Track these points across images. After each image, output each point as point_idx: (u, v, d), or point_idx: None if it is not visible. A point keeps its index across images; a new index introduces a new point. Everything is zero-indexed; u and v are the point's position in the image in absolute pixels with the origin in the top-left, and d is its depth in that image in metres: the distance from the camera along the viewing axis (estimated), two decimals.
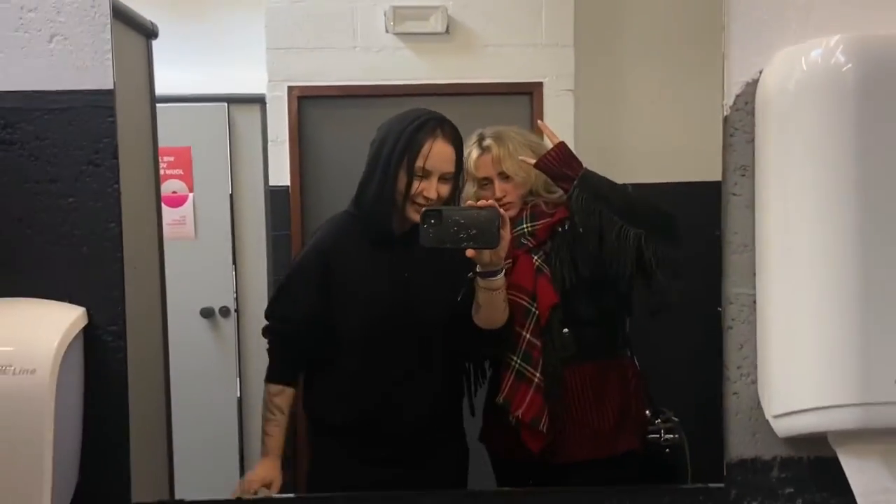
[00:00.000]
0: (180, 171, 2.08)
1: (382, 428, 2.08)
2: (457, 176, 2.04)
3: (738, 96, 1.93)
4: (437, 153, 2.00)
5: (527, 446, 2.03)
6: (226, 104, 2.12)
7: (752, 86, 1.91)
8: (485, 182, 2.08)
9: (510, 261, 2.01)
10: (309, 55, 2.09)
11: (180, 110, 2.09)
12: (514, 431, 2.04)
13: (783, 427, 1.89)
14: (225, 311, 2.13)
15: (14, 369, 1.67)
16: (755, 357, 1.96)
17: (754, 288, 1.95)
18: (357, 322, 2.06)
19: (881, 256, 1.73)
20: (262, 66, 2.08)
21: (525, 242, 2.07)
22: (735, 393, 1.98)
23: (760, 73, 1.89)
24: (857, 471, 1.83)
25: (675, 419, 2.06)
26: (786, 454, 1.98)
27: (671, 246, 2.01)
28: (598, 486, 2.01)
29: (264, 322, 2.08)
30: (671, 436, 2.06)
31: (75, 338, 1.81)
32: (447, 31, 2.08)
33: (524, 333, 2.05)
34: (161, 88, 2.00)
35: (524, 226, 2.08)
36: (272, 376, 2.06)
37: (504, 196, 2.07)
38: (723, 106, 1.93)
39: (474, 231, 1.87)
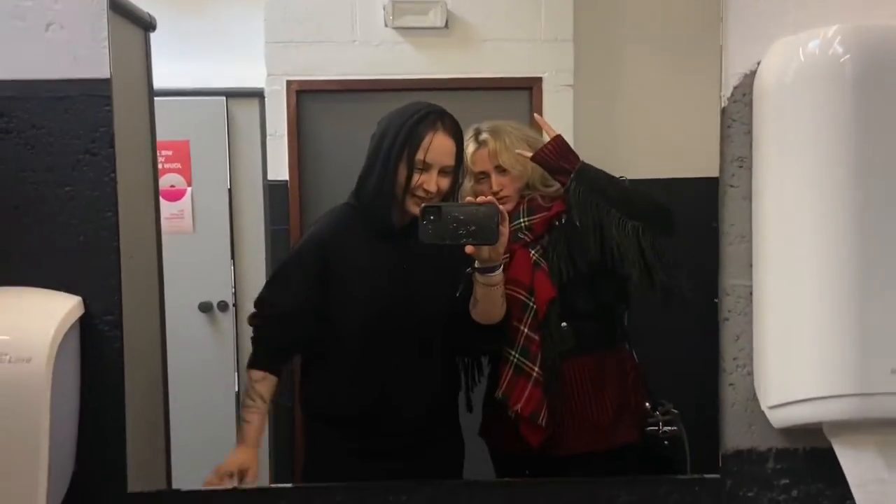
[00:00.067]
0: (178, 165, 2.09)
1: (379, 421, 2.08)
2: (457, 169, 2.04)
3: (735, 88, 1.91)
4: (438, 146, 2.00)
5: (526, 440, 2.03)
6: (224, 98, 2.13)
7: (749, 77, 1.90)
8: (481, 176, 2.09)
9: (507, 255, 2.00)
10: (308, 49, 2.10)
11: (179, 104, 2.09)
12: (514, 425, 2.04)
13: (779, 418, 1.89)
14: (223, 306, 2.13)
15: (10, 358, 1.66)
16: (751, 349, 1.95)
17: (751, 279, 1.94)
18: (355, 315, 2.06)
19: (878, 247, 1.72)
20: (260, 60, 2.09)
21: (522, 237, 2.07)
22: (731, 384, 1.97)
23: (758, 64, 1.88)
24: (853, 461, 1.83)
25: (675, 411, 2.06)
26: (781, 445, 1.97)
27: (668, 238, 2.01)
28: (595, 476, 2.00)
29: None
30: (670, 428, 2.07)
31: (71, 327, 1.80)
32: (446, 25, 2.09)
33: (522, 328, 2.06)
34: (160, 82, 2.00)
35: (521, 220, 2.09)
36: (256, 363, 2.06)
37: (501, 190, 2.07)
38: (720, 97, 1.92)
39: (473, 227, 1.87)
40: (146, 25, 1.97)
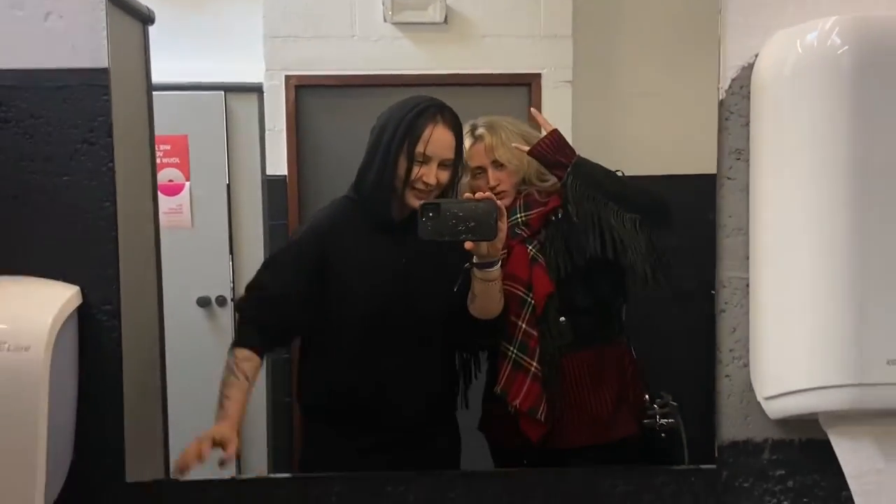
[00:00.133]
0: (177, 160, 2.11)
1: (376, 414, 2.09)
2: (456, 162, 2.05)
3: (733, 80, 1.91)
4: (438, 139, 2.02)
5: (526, 435, 2.05)
6: (223, 93, 2.15)
7: (747, 69, 1.89)
8: (478, 171, 2.11)
9: (505, 251, 2.02)
10: (307, 44, 2.11)
11: (177, 98, 2.10)
12: (513, 420, 2.06)
13: (775, 409, 1.89)
14: (221, 301, 2.15)
15: (8, 346, 1.66)
16: (747, 340, 1.95)
17: (748, 271, 1.94)
18: (353, 307, 2.06)
19: (875, 239, 1.72)
20: (259, 55, 2.10)
21: (519, 232, 2.09)
22: (727, 376, 1.97)
23: (756, 56, 1.88)
24: (849, 452, 1.83)
25: (674, 403, 2.08)
26: (777, 437, 1.98)
27: (666, 230, 2.03)
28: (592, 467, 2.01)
29: None
30: (667, 420, 2.08)
31: (70, 316, 1.80)
32: (445, 20, 2.11)
33: (520, 323, 2.08)
34: (158, 76, 2.00)
35: (518, 215, 2.10)
36: (241, 342, 2.04)
37: (498, 184, 2.10)
38: (718, 90, 1.92)
39: (472, 224, 1.88)
40: (145, 19, 1.97)
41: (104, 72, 1.87)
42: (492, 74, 2.16)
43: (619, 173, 2.07)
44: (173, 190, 2.12)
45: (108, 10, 1.86)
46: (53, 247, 1.89)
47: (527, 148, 2.05)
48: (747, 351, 1.96)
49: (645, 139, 2.16)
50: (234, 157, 2.16)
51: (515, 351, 2.08)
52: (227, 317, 2.17)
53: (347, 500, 1.98)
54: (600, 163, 2.05)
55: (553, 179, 2.08)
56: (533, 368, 2.07)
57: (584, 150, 2.05)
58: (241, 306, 2.08)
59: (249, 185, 2.16)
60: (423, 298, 2.09)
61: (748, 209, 1.92)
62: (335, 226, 2.08)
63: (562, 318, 2.09)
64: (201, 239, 2.16)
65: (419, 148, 2.01)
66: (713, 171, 1.95)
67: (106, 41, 1.86)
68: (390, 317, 2.08)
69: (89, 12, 1.87)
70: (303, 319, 2.08)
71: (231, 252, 2.16)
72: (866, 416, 1.81)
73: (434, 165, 2.03)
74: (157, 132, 2.02)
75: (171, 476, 1.87)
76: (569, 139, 2.05)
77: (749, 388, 1.96)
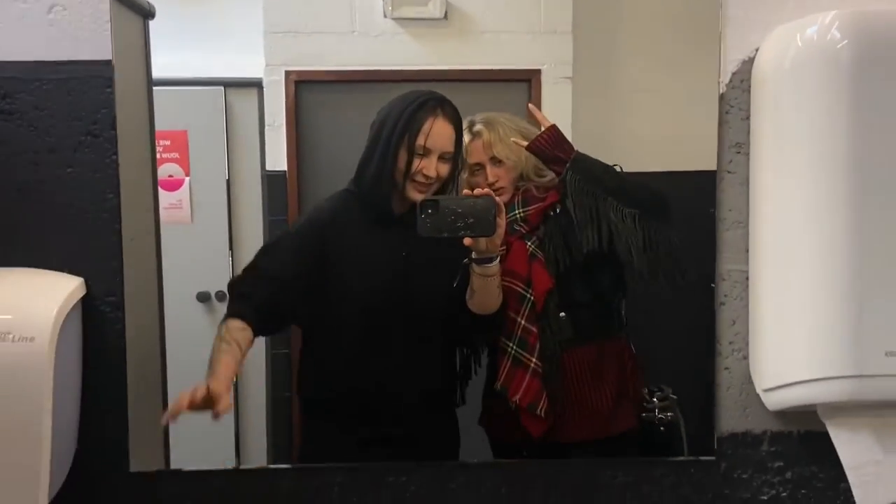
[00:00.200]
0: (177, 155, 2.11)
1: (375, 407, 2.10)
2: (456, 156, 2.06)
3: (734, 74, 1.94)
4: (438, 132, 2.03)
5: (527, 431, 2.07)
6: (223, 88, 2.15)
7: (748, 63, 1.92)
8: (476, 168, 2.12)
9: (504, 248, 2.03)
10: (307, 39, 2.11)
11: (177, 94, 2.11)
12: (514, 416, 2.08)
13: (774, 400, 1.92)
14: (221, 296, 2.13)
15: (13, 337, 1.69)
16: (747, 333, 1.98)
17: (747, 264, 1.97)
18: (353, 300, 2.08)
19: (873, 232, 1.75)
20: (259, 50, 2.10)
21: (518, 228, 2.10)
22: (727, 368, 2.01)
23: (756, 50, 1.91)
24: (847, 443, 1.86)
25: (673, 396, 2.10)
26: (776, 429, 2.01)
27: (665, 225, 2.05)
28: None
29: None
30: (667, 414, 2.10)
31: (73, 307, 1.83)
32: (445, 16, 2.11)
33: (519, 320, 2.09)
34: (158, 72, 2.01)
35: (516, 212, 2.12)
36: (236, 313, 2.02)
37: (496, 181, 2.11)
38: (719, 83, 1.94)
39: (471, 220, 1.90)
40: (145, 13, 1.98)
41: (108, 64, 1.89)
42: (491, 70, 2.16)
43: (618, 168, 2.08)
44: (173, 185, 2.12)
45: (111, 2, 1.89)
46: (57, 238, 1.91)
47: (525, 144, 2.06)
48: (747, 343, 1.99)
49: (645, 135, 2.17)
50: (233, 152, 2.17)
51: (515, 347, 2.10)
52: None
53: (349, 491, 2.01)
54: (600, 159, 2.06)
55: (551, 175, 2.10)
56: (532, 364, 2.08)
57: (584, 146, 2.06)
58: (235, 283, 2.08)
59: (249, 180, 2.16)
60: (423, 292, 2.11)
61: (748, 202, 1.95)
62: (336, 218, 2.10)
63: (562, 314, 2.11)
64: (201, 234, 2.16)
65: (419, 140, 2.03)
66: (713, 167, 1.98)
67: (109, 33, 1.89)
68: (389, 310, 2.09)
69: (92, 4, 1.89)
70: (296, 305, 2.09)
71: (231, 247, 2.16)
72: (865, 407, 1.83)
73: (434, 158, 2.05)
74: (156, 127, 2.03)
75: (163, 423, 1.85)
76: (568, 135, 2.06)
77: (748, 381, 1.99)
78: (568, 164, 2.04)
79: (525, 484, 2.02)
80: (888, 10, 1.77)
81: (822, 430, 1.88)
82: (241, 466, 2.06)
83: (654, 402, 2.11)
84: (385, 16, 2.11)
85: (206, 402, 1.77)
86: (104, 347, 1.94)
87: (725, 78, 1.95)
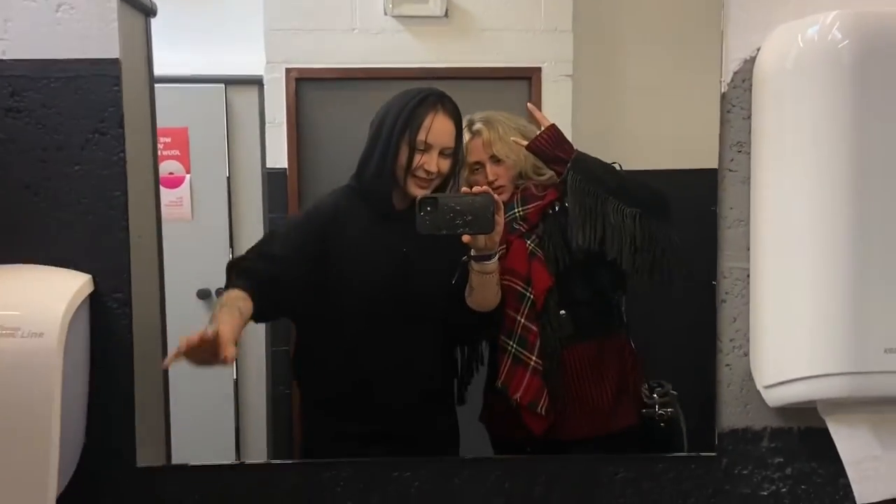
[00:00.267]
0: (177, 152, 2.13)
1: (374, 402, 2.14)
2: (456, 152, 2.10)
3: (735, 73, 1.98)
4: (438, 127, 2.07)
5: (529, 428, 2.10)
6: (223, 85, 2.18)
7: (749, 63, 1.96)
8: (476, 166, 2.16)
9: (504, 246, 2.07)
10: (307, 37, 2.14)
11: (178, 91, 2.13)
12: (515, 413, 2.11)
13: (774, 397, 1.96)
14: (221, 293, 2.13)
15: (22, 332, 1.72)
16: (748, 330, 2.02)
17: (748, 262, 2.01)
18: (353, 294, 2.11)
19: (873, 230, 1.79)
20: (260, 48, 2.13)
21: (517, 227, 2.14)
22: (728, 365, 2.05)
23: (758, 50, 1.95)
24: (846, 439, 1.91)
25: (674, 392, 2.13)
26: (776, 425, 2.06)
27: (665, 223, 2.08)
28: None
29: None
30: (667, 410, 2.13)
31: (81, 304, 1.86)
32: (446, 14, 2.14)
33: (519, 318, 2.13)
34: (159, 69, 2.04)
35: (516, 210, 2.15)
36: (236, 285, 2.02)
37: (496, 179, 2.15)
38: (720, 83, 1.98)
39: (470, 217, 1.94)
40: (147, 11, 2.01)
41: (115, 62, 1.93)
42: (492, 68, 2.19)
43: (617, 166, 2.11)
44: (174, 182, 2.14)
45: (118, 1, 1.92)
46: (65, 235, 1.95)
47: (525, 143, 2.09)
48: (747, 340, 2.03)
49: (645, 133, 2.20)
50: (234, 149, 2.19)
51: (515, 345, 2.13)
52: None
53: (354, 485, 2.05)
54: (600, 157, 2.09)
55: (549, 173, 2.13)
56: (532, 363, 2.12)
57: (585, 144, 2.09)
58: (235, 261, 2.09)
59: (249, 177, 2.18)
60: (422, 289, 2.14)
61: (749, 201, 2.00)
62: (337, 213, 2.12)
63: (562, 311, 2.14)
64: (201, 231, 2.18)
65: (420, 136, 2.06)
66: (713, 165, 2.02)
67: (116, 32, 1.93)
68: (389, 306, 2.12)
69: (100, 3, 1.93)
70: (295, 291, 2.11)
71: (231, 245, 2.18)
72: (864, 403, 1.88)
73: (435, 154, 2.08)
74: (157, 125, 2.06)
75: (163, 367, 1.89)
76: (568, 133, 2.09)
77: (749, 377, 2.04)
78: (569, 165, 2.06)
79: (528, 479, 2.06)
80: (888, 11, 1.81)
81: (822, 426, 1.93)
82: (249, 462, 2.09)
83: (654, 397, 2.14)
84: (386, 13, 2.14)
85: (211, 347, 1.74)
86: (111, 344, 1.97)
87: (727, 77, 1.99)
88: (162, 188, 2.09)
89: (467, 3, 2.14)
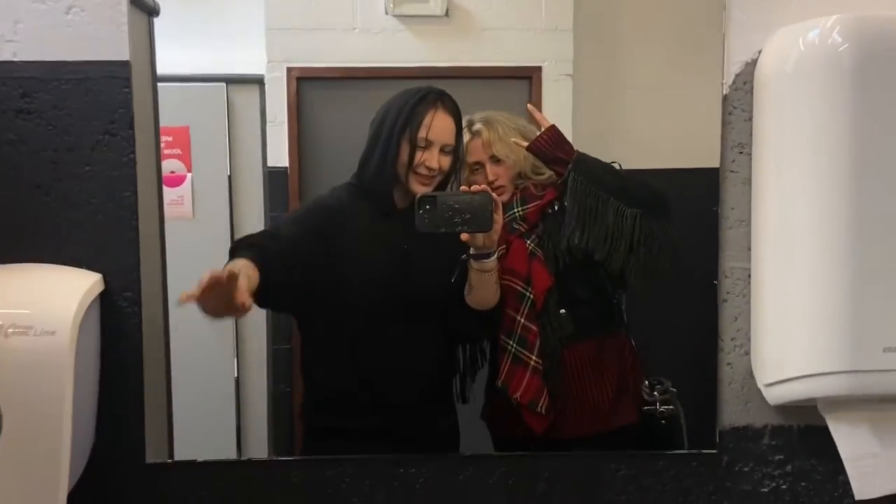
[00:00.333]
0: (179, 151, 2.17)
1: (374, 399, 2.19)
2: (457, 149, 2.15)
3: (737, 76, 2.02)
4: (439, 124, 2.12)
5: (530, 427, 2.15)
6: (225, 85, 2.21)
7: (751, 65, 2.01)
8: (476, 167, 2.21)
9: (504, 247, 2.12)
10: (308, 36, 2.18)
11: (179, 90, 2.17)
12: (515, 411, 2.15)
13: (775, 395, 2.01)
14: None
15: (35, 331, 1.77)
16: (749, 329, 2.07)
17: (749, 262, 2.06)
18: (353, 291, 2.16)
19: (872, 231, 1.85)
20: (261, 47, 2.17)
21: (517, 227, 2.18)
22: (729, 363, 2.10)
23: (759, 52, 1.99)
24: (846, 437, 1.97)
25: (673, 390, 2.18)
26: (776, 423, 2.11)
27: (665, 223, 2.14)
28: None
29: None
30: (668, 407, 2.18)
31: (92, 303, 1.90)
32: (447, 13, 2.18)
33: (519, 318, 2.18)
34: (160, 68, 2.07)
35: (515, 210, 2.20)
36: (240, 255, 2.00)
37: (496, 179, 2.20)
38: (722, 85, 2.03)
39: (468, 215, 1.99)
40: (150, 10, 2.04)
41: (125, 65, 1.98)
42: (492, 67, 2.23)
43: (616, 165, 2.16)
44: (175, 181, 2.18)
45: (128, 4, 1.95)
46: (76, 235, 2.00)
47: (525, 144, 2.14)
48: (748, 339, 2.08)
49: (645, 133, 2.24)
50: (235, 148, 2.23)
51: (515, 345, 2.18)
52: None
53: (360, 482, 2.10)
54: (601, 156, 2.13)
55: (548, 173, 2.16)
56: (532, 362, 2.17)
57: (585, 143, 2.13)
58: (241, 238, 2.13)
59: (250, 176, 2.22)
60: (423, 287, 2.19)
61: (750, 201, 2.05)
62: (340, 209, 2.17)
63: (562, 311, 2.19)
64: (203, 230, 2.21)
65: (421, 133, 2.11)
66: (713, 164, 2.07)
67: (126, 34, 1.97)
68: (389, 303, 2.17)
69: (110, 6, 1.97)
70: (299, 270, 2.12)
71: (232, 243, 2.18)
72: (863, 401, 1.94)
73: (436, 151, 2.13)
74: (159, 123, 2.08)
75: (179, 302, 1.85)
76: (569, 132, 2.13)
77: (750, 376, 2.09)
78: (570, 166, 2.11)
79: (531, 476, 2.12)
80: (888, 15, 1.86)
81: (822, 424, 1.98)
82: (255, 458, 2.15)
83: (654, 395, 2.20)
84: (386, 13, 2.18)
85: (226, 292, 1.77)
86: (122, 342, 2.02)
87: (729, 80, 2.03)
88: (163, 186, 2.13)
89: (468, 2, 2.18)
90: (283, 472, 2.10)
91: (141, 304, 2.02)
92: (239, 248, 2.04)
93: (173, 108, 2.14)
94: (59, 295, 1.86)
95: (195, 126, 2.20)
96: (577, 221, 2.11)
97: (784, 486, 2.14)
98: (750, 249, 2.06)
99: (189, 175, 2.19)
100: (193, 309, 2.05)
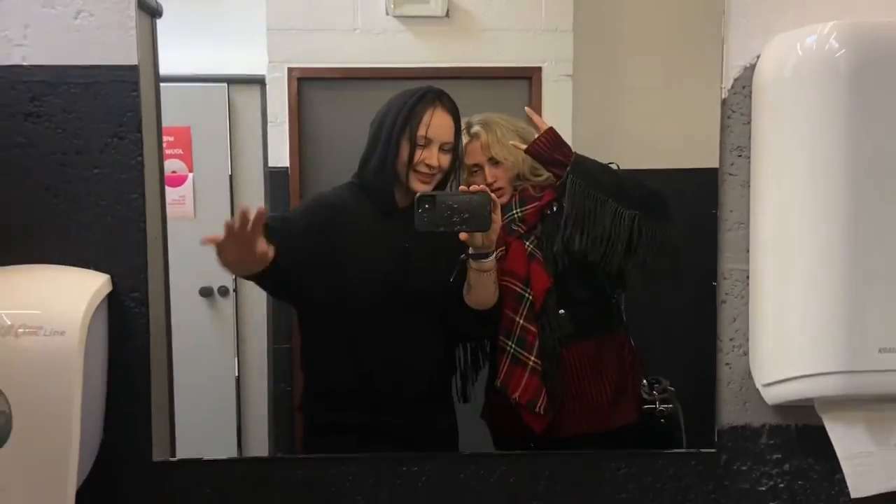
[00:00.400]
0: (180, 151, 2.21)
1: (374, 398, 2.25)
2: (456, 147, 2.20)
3: (735, 80, 2.07)
4: (438, 122, 2.18)
5: (529, 426, 2.21)
6: (226, 85, 2.26)
7: (749, 70, 2.06)
8: (475, 169, 2.26)
9: (503, 248, 2.18)
10: (309, 37, 2.22)
11: (180, 90, 2.20)
12: (515, 411, 2.21)
13: (773, 395, 2.07)
14: (224, 291, 2.26)
15: (45, 331, 1.82)
16: (747, 329, 2.13)
17: (748, 264, 2.12)
18: (353, 289, 2.22)
19: (868, 233, 1.90)
20: (262, 47, 2.21)
21: (516, 228, 2.23)
22: (727, 364, 2.16)
23: (758, 57, 2.05)
24: (842, 436, 2.02)
25: (672, 389, 2.23)
26: (774, 422, 2.16)
27: (664, 223, 2.19)
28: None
29: (263, 303, 2.26)
30: (667, 406, 2.24)
31: (101, 303, 1.96)
32: (447, 14, 2.23)
33: (518, 319, 2.23)
34: (162, 68, 2.12)
35: (514, 211, 2.25)
36: None
37: (495, 181, 2.25)
38: (721, 89, 2.08)
39: (467, 215, 2.04)
40: (153, 12, 2.09)
41: (133, 69, 2.03)
42: (493, 68, 2.28)
43: (614, 166, 2.21)
44: (176, 181, 2.23)
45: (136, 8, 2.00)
46: (84, 236, 2.05)
47: (524, 146, 2.17)
48: (747, 340, 2.14)
49: (645, 133, 2.29)
50: (236, 148, 2.27)
51: (513, 346, 2.23)
52: (229, 307, 2.28)
53: (363, 480, 2.16)
54: (600, 156, 2.18)
55: (546, 174, 2.21)
56: (531, 363, 2.22)
57: (585, 143, 2.18)
58: None
59: (252, 176, 2.26)
60: (422, 285, 2.24)
61: (749, 204, 2.10)
62: (342, 206, 2.23)
63: (561, 311, 2.24)
64: (204, 229, 2.12)
65: (420, 131, 2.17)
66: (712, 165, 2.12)
67: (135, 38, 2.02)
68: (389, 302, 2.23)
69: (119, 10, 2.02)
70: (303, 257, 2.19)
71: None
72: (858, 401, 2.00)
73: (435, 149, 2.19)
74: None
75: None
76: (569, 133, 2.18)
77: (748, 376, 2.15)
78: (569, 168, 2.16)
79: (532, 475, 2.18)
80: (884, 21, 1.92)
81: (819, 424, 2.04)
82: (260, 456, 2.22)
83: (653, 394, 2.25)
84: (387, 13, 2.23)
85: (246, 238, 1.89)
86: (129, 342, 2.08)
87: (727, 84, 2.09)
88: (165, 186, 2.14)
89: (468, 3, 2.22)
90: (288, 471, 2.15)
91: (148, 305, 2.07)
92: None
93: (175, 108, 2.17)
94: (68, 296, 1.91)
95: (196, 126, 2.24)
96: (574, 224, 2.16)
97: (782, 485, 2.20)
98: (748, 251, 2.12)
99: (190, 175, 2.23)
100: (194, 309, 2.15)
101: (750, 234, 2.11)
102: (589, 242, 2.17)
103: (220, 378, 2.31)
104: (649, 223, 2.17)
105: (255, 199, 2.25)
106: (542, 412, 2.20)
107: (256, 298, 2.26)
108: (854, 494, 2.01)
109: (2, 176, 2.03)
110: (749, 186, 2.09)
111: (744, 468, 2.20)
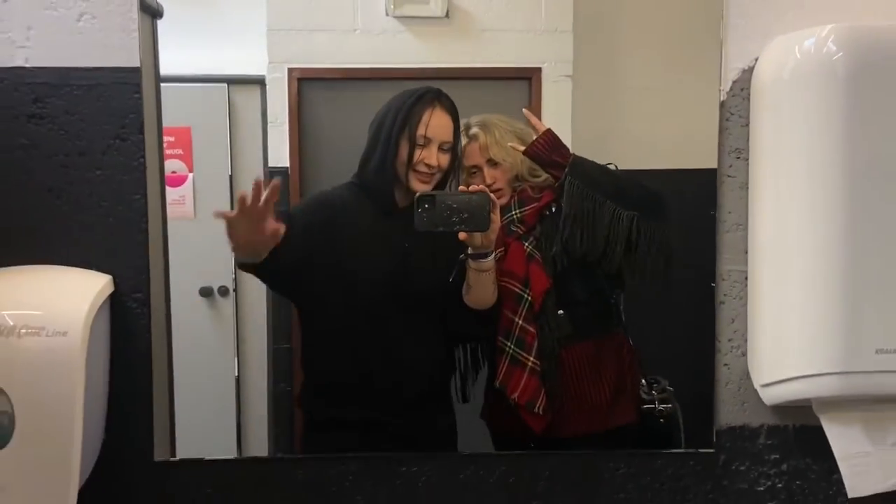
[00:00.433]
0: (180, 151, 2.23)
1: (373, 397, 2.28)
2: (455, 147, 2.22)
3: (734, 82, 2.10)
4: (437, 122, 2.20)
5: (528, 426, 2.23)
6: (226, 85, 2.27)
7: (748, 72, 2.09)
8: (473, 170, 2.28)
9: (502, 249, 2.21)
10: (309, 37, 2.24)
11: (180, 90, 2.21)
12: (514, 411, 2.23)
13: (771, 395, 2.10)
14: (224, 291, 2.28)
15: (47, 331, 1.84)
16: (745, 330, 2.15)
17: (746, 265, 2.15)
18: (353, 288, 2.24)
19: (866, 235, 1.93)
20: (262, 48, 2.23)
21: (515, 229, 2.26)
22: (726, 364, 2.19)
23: (756, 60, 2.08)
24: (839, 436, 2.05)
25: (670, 388, 2.26)
26: (772, 423, 2.19)
27: (662, 224, 2.22)
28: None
29: (263, 303, 2.28)
30: (666, 406, 2.27)
31: (103, 304, 1.98)
32: (447, 14, 2.24)
33: (517, 319, 2.25)
34: (162, 68, 2.14)
35: (513, 212, 2.28)
36: None
37: (494, 183, 2.26)
38: (719, 91, 2.10)
39: (466, 215, 2.07)
40: (153, 12, 2.11)
41: (135, 71, 2.06)
42: (492, 68, 2.29)
43: (613, 166, 2.25)
44: (176, 181, 2.25)
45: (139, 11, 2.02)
46: (86, 237, 2.07)
47: (522, 148, 2.19)
48: (745, 340, 2.17)
49: (644, 134, 2.31)
50: (236, 148, 2.29)
51: (512, 346, 2.25)
52: (229, 307, 2.30)
53: (363, 480, 2.18)
54: (600, 157, 2.20)
55: (545, 175, 2.24)
56: (530, 363, 2.24)
57: (584, 144, 2.20)
58: None
59: (251, 176, 2.22)
60: (423, 286, 2.26)
61: (747, 205, 2.13)
62: (342, 205, 2.26)
63: (560, 311, 2.27)
64: (204, 229, 2.25)
65: (420, 130, 2.19)
66: (711, 165, 2.15)
67: (137, 40, 2.04)
68: (389, 301, 2.25)
69: (121, 13, 2.05)
70: (305, 251, 2.21)
71: None
72: (856, 402, 2.03)
73: (434, 148, 2.21)
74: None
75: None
76: (569, 133, 2.20)
77: (746, 376, 2.17)
78: (567, 169, 2.19)
79: (531, 475, 2.20)
80: (882, 25, 1.95)
81: (816, 424, 2.07)
82: (260, 455, 2.24)
83: (652, 394, 2.28)
84: (387, 14, 2.24)
85: (258, 213, 1.97)
86: (130, 342, 2.11)
87: (726, 86, 2.11)
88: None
89: (468, 3, 2.24)
90: (288, 471, 2.17)
91: (150, 306, 2.09)
92: None
93: (175, 108, 2.19)
94: (70, 296, 1.93)
95: (196, 126, 2.25)
96: (573, 225, 2.19)
97: (780, 485, 2.22)
98: (747, 253, 2.15)
99: (190, 175, 2.24)
100: (194, 309, 2.18)
101: (748, 236, 2.13)
102: (588, 243, 2.19)
103: (220, 378, 2.32)
104: (648, 224, 2.19)
105: None
106: (541, 412, 2.22)
107: (256, 298, 2.28)
108: (851, 494, 2.04)
109: (5, 177, 2.05)
110: (747, 188, 2.12)
111: (742, 468, 2.22)
